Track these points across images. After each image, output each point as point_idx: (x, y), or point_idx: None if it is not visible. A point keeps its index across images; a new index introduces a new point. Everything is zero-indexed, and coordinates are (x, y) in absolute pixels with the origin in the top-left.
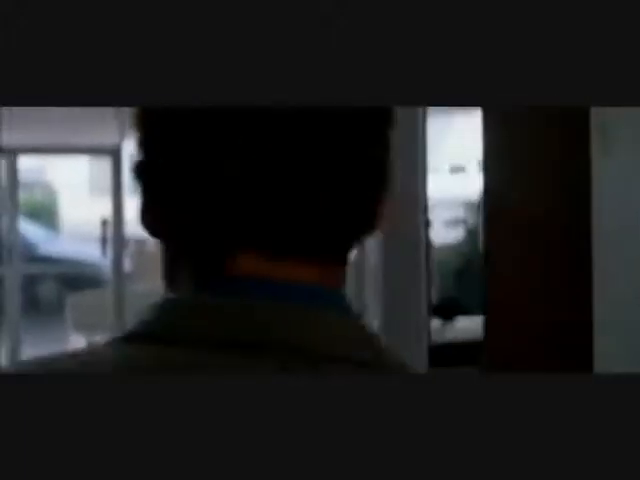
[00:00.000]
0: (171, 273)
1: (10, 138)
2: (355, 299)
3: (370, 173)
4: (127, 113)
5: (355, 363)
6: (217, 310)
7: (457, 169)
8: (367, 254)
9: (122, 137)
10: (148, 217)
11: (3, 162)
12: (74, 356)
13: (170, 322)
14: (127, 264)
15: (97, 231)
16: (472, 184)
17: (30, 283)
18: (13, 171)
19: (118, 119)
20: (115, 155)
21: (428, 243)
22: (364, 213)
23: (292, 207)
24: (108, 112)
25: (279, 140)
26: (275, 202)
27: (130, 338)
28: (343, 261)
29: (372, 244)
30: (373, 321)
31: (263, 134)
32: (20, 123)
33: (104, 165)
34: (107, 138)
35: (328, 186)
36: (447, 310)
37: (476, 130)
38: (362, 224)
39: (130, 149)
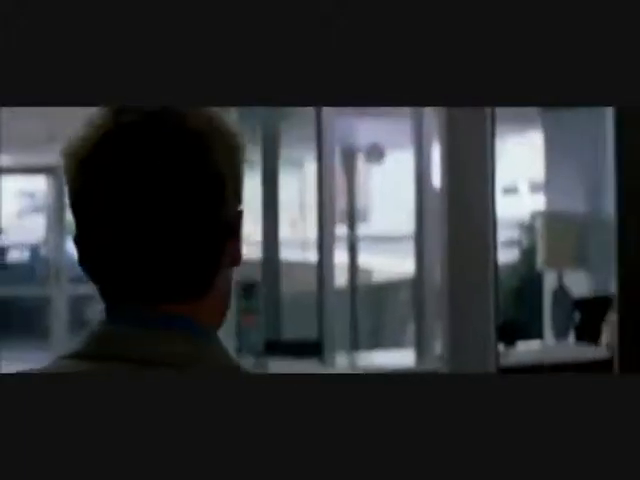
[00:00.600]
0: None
1: (55, 155)
2: (413, 320)
3: (211, 232)
4: None
5: (175, 366)
6: (108, 337)
7: (509, 190)
8: (427, 277)
9: None
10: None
11: (50, 181)
12: (30, 373)
13: (87, 345)
14: None
15: None
16: (524, 205)
17: (77, 304)
18: (60, 190)
19: None
20: None
21: (496, 264)
22: (209, 261)
23: (157, 270)
24: None
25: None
26: (140, 263)
27: (68, 357)
28: (201, 298)
29: (435, 265)
30: (436, 345)
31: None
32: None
33: None
34: None
35: (175, 250)
36: (509, 333)
37: (527, 151)
38: (209, 267)
39: None
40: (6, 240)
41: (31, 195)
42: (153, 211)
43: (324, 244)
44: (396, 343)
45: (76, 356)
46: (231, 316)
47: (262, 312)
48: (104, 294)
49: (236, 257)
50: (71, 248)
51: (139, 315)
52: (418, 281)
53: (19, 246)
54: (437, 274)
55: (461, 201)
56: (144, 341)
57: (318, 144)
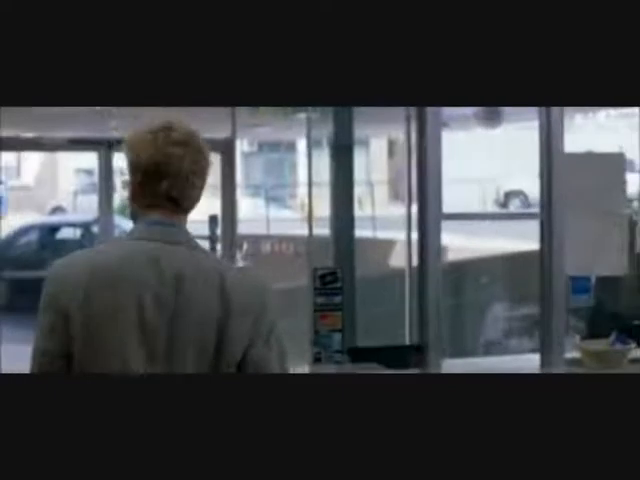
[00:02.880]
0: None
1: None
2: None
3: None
4: None
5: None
6: (149, 228)
7: None
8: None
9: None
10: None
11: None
12: (93, 249)
13: (138, 232)
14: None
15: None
16: None
17: None
18: (109, 168)
19: None
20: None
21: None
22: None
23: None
24: None
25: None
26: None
27: (125, 238)
28: (185, 215)
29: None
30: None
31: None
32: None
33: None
34: None
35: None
36: None
37: None
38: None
39: None
40: (62, 218)
41: (88, 173)
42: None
43: (426, 226)
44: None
45: (130, 238)
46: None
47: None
48: (137, 220)
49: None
50: (118, 226)
51: (160, 222)
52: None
53: (74, 224)
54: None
55: None
56: (165, 231)
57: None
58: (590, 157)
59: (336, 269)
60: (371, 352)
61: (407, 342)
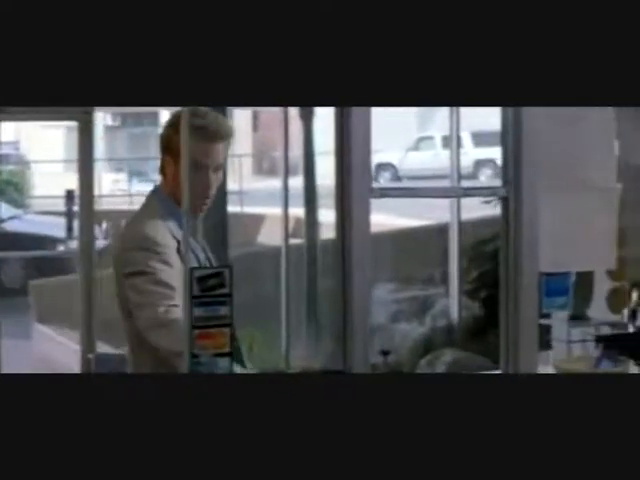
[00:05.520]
0: None
1: None
2: None
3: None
4: None
5: None
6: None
7: None
8: None
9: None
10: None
11: None
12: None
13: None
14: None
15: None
16: None
17: None
18: None
19: None
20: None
21: None
22: None
23: None
24: None
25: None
26: None
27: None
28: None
29: None
30: None
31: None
32: None
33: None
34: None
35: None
36: None
37: None
38: None
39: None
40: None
41: None
42: None
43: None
44: None
45: None
46: None
47: None
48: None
49: None
50: None
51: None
52: None
53: None
54: None
55: None
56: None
57: None
58: (567, 113)
59: (221, 269)
60: None
61: (283, 326)
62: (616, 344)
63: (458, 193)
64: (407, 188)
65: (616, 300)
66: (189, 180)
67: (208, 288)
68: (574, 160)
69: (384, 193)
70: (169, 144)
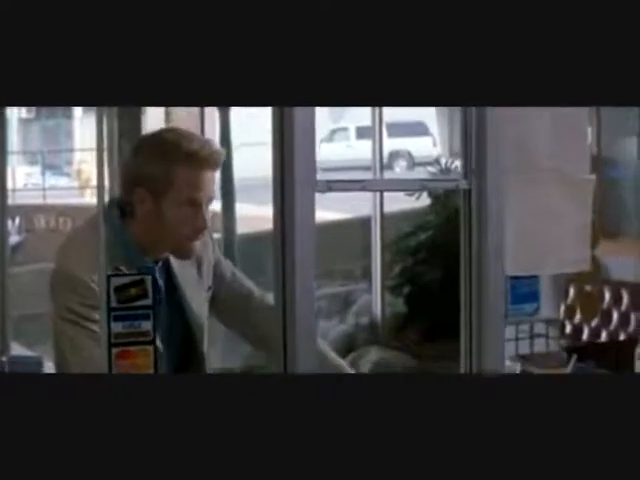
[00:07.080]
0: None
1: None
2: None
3: None
4: None
5: None
6: None
7: None
8: None
9: None
10: None
11: None
12: None
13: None
14: (14, 239)
15: None
16: None
17: None
18: None
19: None
20: None
21: None
22: None
23: None
24: None
25: None
26: None
27: None
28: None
29: None
30: None
31: None
32: None
33: None
34: None
35: None
36: None
37: None
38: None
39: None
40: None
41: None
42: None
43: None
44: None
45: None
46: None
47: None
48: None
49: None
50: None
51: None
52: None
53: None
54: None
55: None
56: None
57: None
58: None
59: (143, 275)
60: None
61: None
62: (589, 355)
63: (415, 186)
64: (355, 181)
65: (588, 304)
66: (180, 219)
67: (127, 298)
68: (544, 148)
69: (330, 186)
70: (142, 173)
